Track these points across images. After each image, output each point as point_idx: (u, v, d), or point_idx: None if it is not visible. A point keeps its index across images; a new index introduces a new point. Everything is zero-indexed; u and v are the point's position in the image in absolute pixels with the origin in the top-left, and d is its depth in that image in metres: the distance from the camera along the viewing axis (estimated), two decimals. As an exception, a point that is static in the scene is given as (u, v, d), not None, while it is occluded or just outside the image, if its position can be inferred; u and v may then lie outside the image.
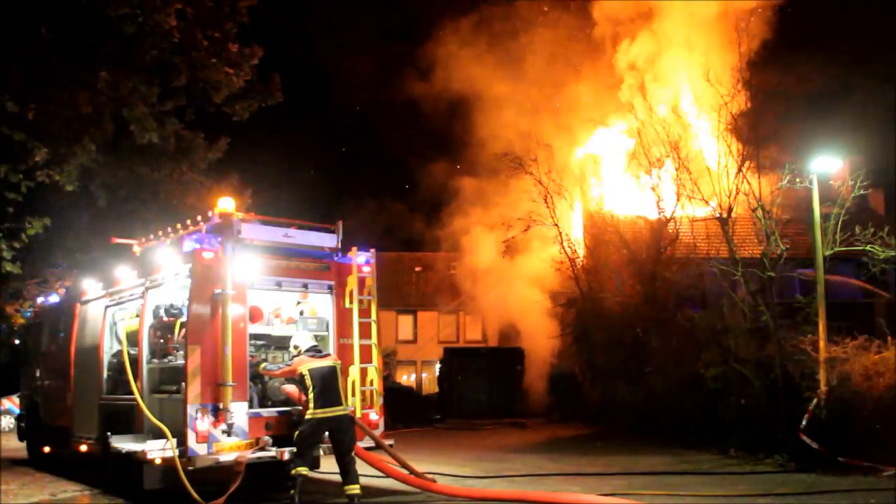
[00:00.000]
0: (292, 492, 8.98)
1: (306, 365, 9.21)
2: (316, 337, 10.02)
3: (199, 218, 10.02)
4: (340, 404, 9.22)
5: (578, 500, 9.44)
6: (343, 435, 9.16)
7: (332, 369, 9.28)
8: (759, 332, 14.82)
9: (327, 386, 9.12)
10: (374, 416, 10.38)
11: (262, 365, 9.93)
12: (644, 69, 24.62)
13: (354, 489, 9.01)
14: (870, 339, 13.61)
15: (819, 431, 12.17)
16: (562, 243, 23.42)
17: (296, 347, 9.60)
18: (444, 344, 32.72)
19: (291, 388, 9.84)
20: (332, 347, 10.33)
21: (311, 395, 9.06)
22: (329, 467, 11.68)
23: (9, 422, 21.82)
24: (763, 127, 15.54)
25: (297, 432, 9.13)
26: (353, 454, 9.22)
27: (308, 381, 9.10)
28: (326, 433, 9.16)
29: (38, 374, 14.31)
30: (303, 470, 9.00)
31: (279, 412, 9.74)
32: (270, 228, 10.27)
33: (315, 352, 9.46)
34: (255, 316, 10.02)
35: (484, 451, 15.88)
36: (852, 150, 18.02)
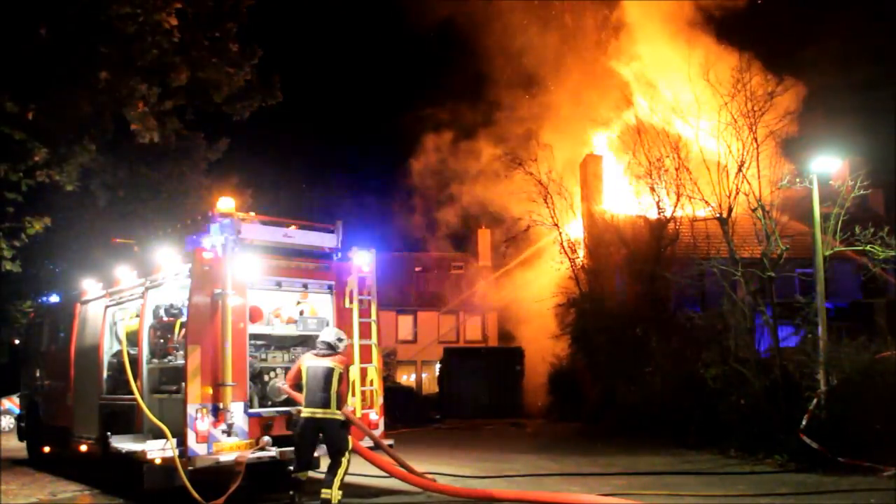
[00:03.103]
0: (291, 492, 8.94)
1: (305, 361, 8.96)
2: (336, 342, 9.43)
3: (199, 218, 10.02)
4: (326, 407, 8.68)
5: (578, 500, 9.44)
6: (329, 439, 8.81)
7: (328, 370, 8.80)
8: (759, 332, 14.82)
9: (316, 386, 8.74)
10: (374, 416, 10.37)
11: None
12: (645, 69, 24.64)
13: (326, 494, 8.57)
14: (870, 339, 13.62)
15: (819, 431, 12.17)
16: (562, 243, 23.43)
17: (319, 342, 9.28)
18: (444, 344, 32.74)
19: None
20: (331, 347, 10.32)
21: (303, 392, 8.84)
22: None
23: (9, 422, 21.81)
24: (763, 127, 15.51)
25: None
26: (339, 459, 8.73)
27: (303, 378, 8.86)
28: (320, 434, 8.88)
29: (38, 374, 14.31)
30: (301, 475, 8.88)
31: (279, 412, 9.73)
32: (270, 228, 10.27)
33: (321, 348, 9.03)
34: (255, 316, 10.01)
35: (484, 451, 15.88)
36: (852, 150, 18.03)
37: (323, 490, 8.61)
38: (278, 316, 10.43)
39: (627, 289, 21.51)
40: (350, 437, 8.98)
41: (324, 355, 8.97)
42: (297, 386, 9.04)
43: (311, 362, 8.93)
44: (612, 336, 20.52)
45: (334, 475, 8.63)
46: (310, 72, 46.29)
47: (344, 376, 8.93)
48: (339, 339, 9.14)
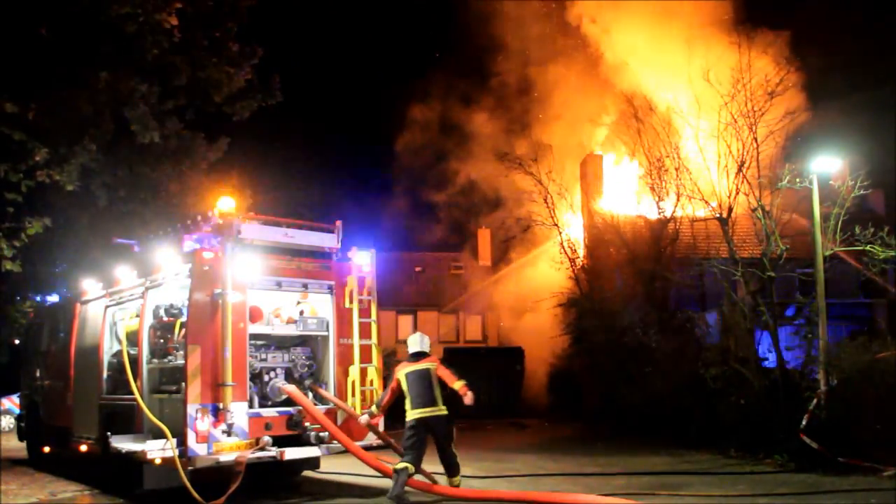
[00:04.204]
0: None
1: (403, 371, 9.67)
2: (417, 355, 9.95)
3: (199, 218, 10.03)
4: (434, 405, 9.52)
5: (578, 500, 9.43)
6: (439, 433, 9.55)
7: (426, 371, 9.62)
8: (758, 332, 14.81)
9: (421, 388, 9.51)
10: (375, 415, 10.38)
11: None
12: (645, 69, 24.63)
13: (456, 481, 9.63)
14: (870, 339, 13.60)
15: (819, 431, 12.16)
16: (562, 243, 23.41)
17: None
18: (444, 344, 32.71)
19: (291, 388, 9.85)
20: (332, 347, 10.35)
21: (407, 398, 9.55)
22: (329, 467, 11.71)
23: (9, 422, 21.82)
24: (763, 127, 15.50)
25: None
26: (452, 450, 9.67)
27: (404, 386, 9.54)
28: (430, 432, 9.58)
29: (38, 374, 14.32)
30: (401, 465, 9.26)
31: (279, 412, 9.75)
32: (270, 228, 10.30)
33: (415, 357, 9.76)
34: (255, 316, 10.03)
35: (484, 451, 15.86)
36: (852, 150, 18.01)
37: (452, 479, 9.64)
38: (278, 316, 10.45)
39: (627, 289, 21.47)
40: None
41: (420, 360, 9.74)
42: (397, 397, 9.80)
43: (409, 369, 9.67)
44: (612, 336, 20.50)
45: (456, 464, 9.67)
46: (310, 72, 46.32)
47: (434, 373, 9.70)
48: (431, 346, 10.05)
